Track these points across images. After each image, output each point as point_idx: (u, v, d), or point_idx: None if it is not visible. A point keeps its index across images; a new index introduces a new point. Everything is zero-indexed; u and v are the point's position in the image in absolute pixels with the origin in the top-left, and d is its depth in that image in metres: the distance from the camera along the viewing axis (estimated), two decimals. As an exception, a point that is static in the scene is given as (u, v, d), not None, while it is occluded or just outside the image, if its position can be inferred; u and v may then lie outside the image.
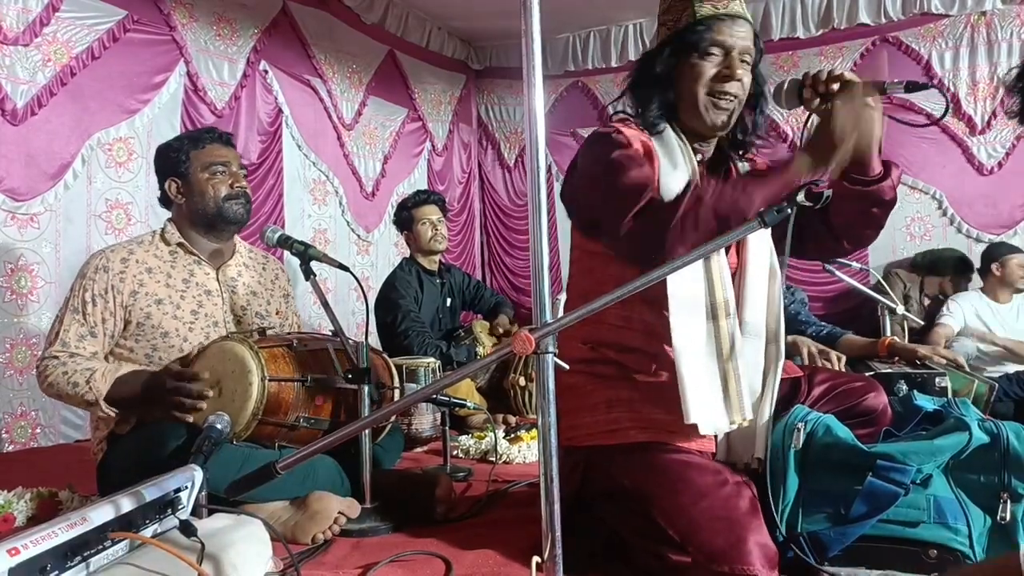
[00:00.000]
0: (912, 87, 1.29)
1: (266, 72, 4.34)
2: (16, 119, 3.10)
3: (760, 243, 1.55)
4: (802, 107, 1.42)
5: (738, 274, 1.53)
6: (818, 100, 1.38)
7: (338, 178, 4.85)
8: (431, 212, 3.61)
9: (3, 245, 3.10)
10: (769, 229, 1.49)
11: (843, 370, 2.54)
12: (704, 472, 1.39)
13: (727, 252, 1.51)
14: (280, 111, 4.43)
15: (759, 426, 1.46)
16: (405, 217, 3.64)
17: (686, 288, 1.43)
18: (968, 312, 3.89)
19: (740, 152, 1.63)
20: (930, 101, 4.92)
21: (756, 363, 1.49)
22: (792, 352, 2.57)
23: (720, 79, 1.49)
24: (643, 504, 1.40)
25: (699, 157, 1.56)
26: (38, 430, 3.17)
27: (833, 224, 1.55)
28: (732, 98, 1.50)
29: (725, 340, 1.45)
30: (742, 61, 1.50)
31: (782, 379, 1.53)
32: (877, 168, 1.43)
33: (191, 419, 1.72)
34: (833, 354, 2.55)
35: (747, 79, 1.51)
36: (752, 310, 1.50)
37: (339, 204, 4.89)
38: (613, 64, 5.66)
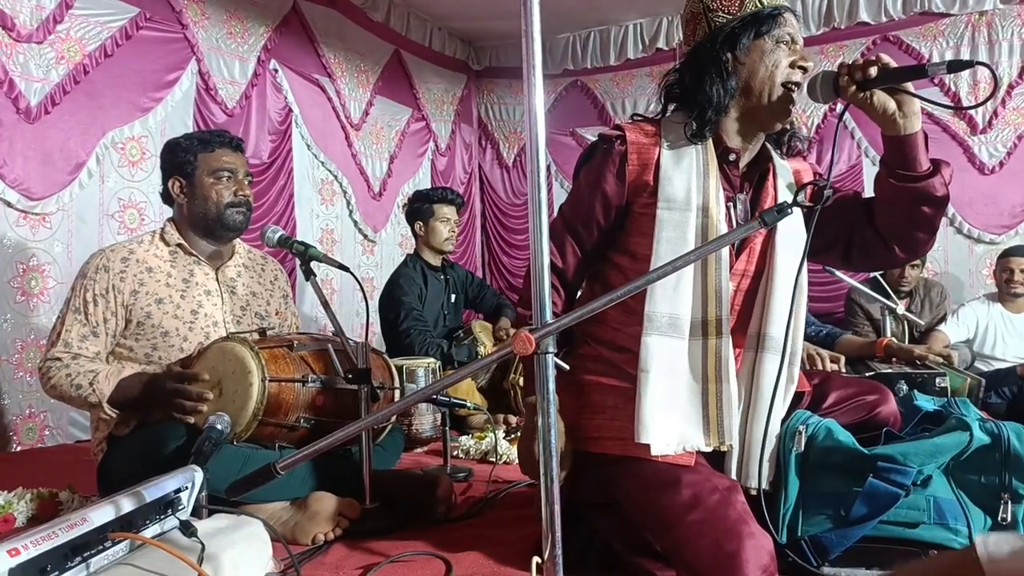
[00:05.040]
0: (956, 67, 1.24)
1: (276, 71, 4.34)
2: (31, 117, 3.09)
3: (790, 252, 1.46)
4: (839, 98, 1.37)
5: (764, 285, 1.46)
6: (854, 88, 1.32)
7: (346, 178, 4.84)
8: (452, 213, 3.59)
9: (15, 245, 3.09)
10: (805, 241, 1.45)
11: (843, 371, 2.53)
12: (691, 482, 1.31)
13: (731, 264, 1.45)
14: (290, 110, 4.42)
15: (756, 452, 1.40)
16: (424, 209, 3.56)
17: (662, 307, 1.38)
18: (972, 323, 3.71)
19: (785, 150, 1.56)
20: (928, 104, 4.93)
21: (773, 381, 1.41)
22: None
23: (796, 70, 1.43)
24: (631, 516, 1.36)
25: (732, 156, 1.47)
26: (46, 431, 3.17)
27: (880, 228, 1.46)
28: (799, 89, 1.43)
29: (712, 360, 1.40)
30: None
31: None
32: (925, 164, 1.37)
33: (192, 420, 1.72)
34: (828, 357, 2.54)
35: None
36: (776, 325, 1.42)
37: (346, 204, 4.89)
38: (612, 63, 5.67)
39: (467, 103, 6.20)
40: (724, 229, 1.42)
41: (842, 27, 5.00)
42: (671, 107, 1.53)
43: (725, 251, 1.42)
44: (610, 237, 1.52)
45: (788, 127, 1.51)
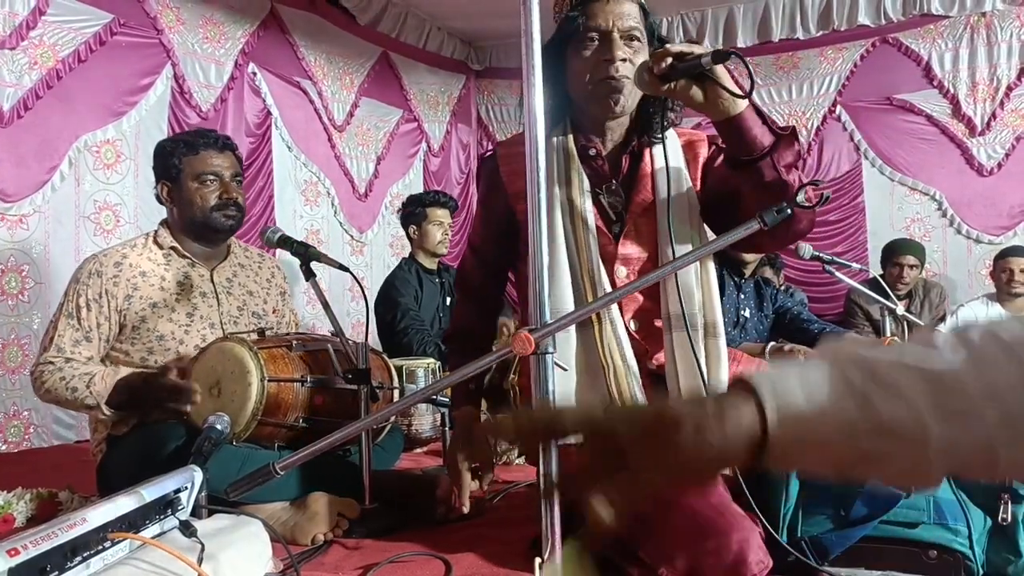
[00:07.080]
0: (717, 57, 1.21)
1: (254, 74, 4.34)
2: (3, 121, 3.11)
3: (673, 231, 1.46)
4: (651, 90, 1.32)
5: (657, 267, 1.46)
6: (656, 81, 1.27)
7: (330, 179, 4.85)
8: (445, 216, 3.63)
9: (-7, 246, 3.12)
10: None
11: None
12: None
13: (614, 250, 1.47)
14: (269, 112, 4.43)
15: None
16: (417, 213, 3.61)
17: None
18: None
19: (653, 131, 1.51)
20: (929, 102, 4.94)
21: (687, 358, 1.42)
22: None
23: (602, 65, 1.42)
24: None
25: (593, 151, 1.51)
26: (31, 430, 3.19)
27: (741, 213, 1.40)
28: (617, 81, 1.41)
29: (603, 344, 1.41)
30: (628, 39, 1.43)
31: None
32: (761, 143, 1.28)
33: (188, 409, 1.72)
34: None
35: (639, 58, 1.42)
36: (675, 303, 1.43)
37: (331, 205, 4.89)
38: (613, 65, 5.67)
39: (465, 103, 6.19)
40: (591, 219, 1.47)
41: (841, 29, 5.00)
42: None
43: (593, 235, 1.46)
44: (513, 249, 1.58)
45: (658, 107, 1.47)
